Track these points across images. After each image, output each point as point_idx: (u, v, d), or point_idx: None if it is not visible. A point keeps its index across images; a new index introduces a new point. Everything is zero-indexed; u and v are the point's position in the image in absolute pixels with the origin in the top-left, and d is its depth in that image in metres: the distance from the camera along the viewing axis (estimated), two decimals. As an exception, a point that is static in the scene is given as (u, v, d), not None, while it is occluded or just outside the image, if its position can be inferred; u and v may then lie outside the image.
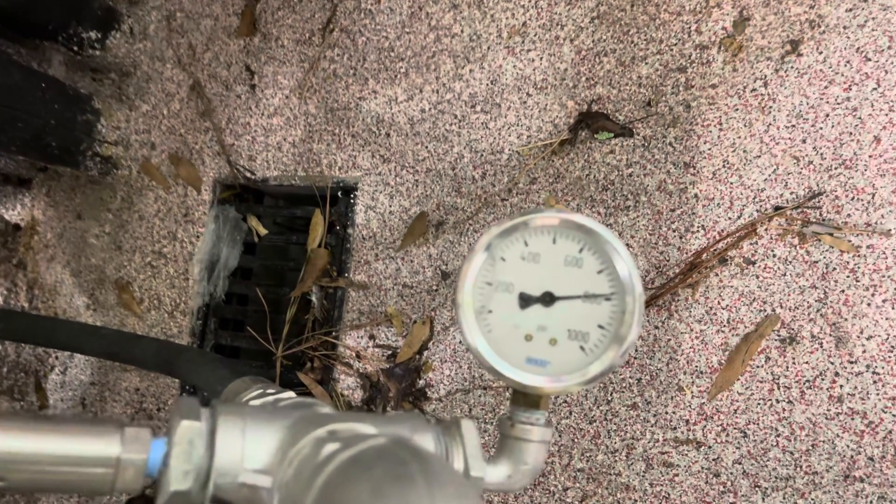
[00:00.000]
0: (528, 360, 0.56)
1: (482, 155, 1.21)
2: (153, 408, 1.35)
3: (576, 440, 1.09)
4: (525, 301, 0.56)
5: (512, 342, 0.56)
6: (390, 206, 1.26)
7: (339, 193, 1.30)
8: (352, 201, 1.28)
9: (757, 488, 0.99)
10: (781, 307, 1.01)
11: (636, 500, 1.03)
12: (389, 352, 1.22)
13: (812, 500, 0.96)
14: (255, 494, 0.47)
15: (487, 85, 1.22)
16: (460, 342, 1.18)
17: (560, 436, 1.09)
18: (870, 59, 1.03)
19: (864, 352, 0.97)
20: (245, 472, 0.47)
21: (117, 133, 1.44)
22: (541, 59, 1.19)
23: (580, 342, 0.55)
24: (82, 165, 1.39)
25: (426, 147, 1.25)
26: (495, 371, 0.56)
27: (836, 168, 1.02)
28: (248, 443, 0.47)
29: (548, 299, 0.56)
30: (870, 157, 1.01)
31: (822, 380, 0.98)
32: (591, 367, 0.55)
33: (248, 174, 1.36)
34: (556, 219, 0.56)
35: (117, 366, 1.38)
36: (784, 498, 0.97)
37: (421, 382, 1.19)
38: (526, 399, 0.57)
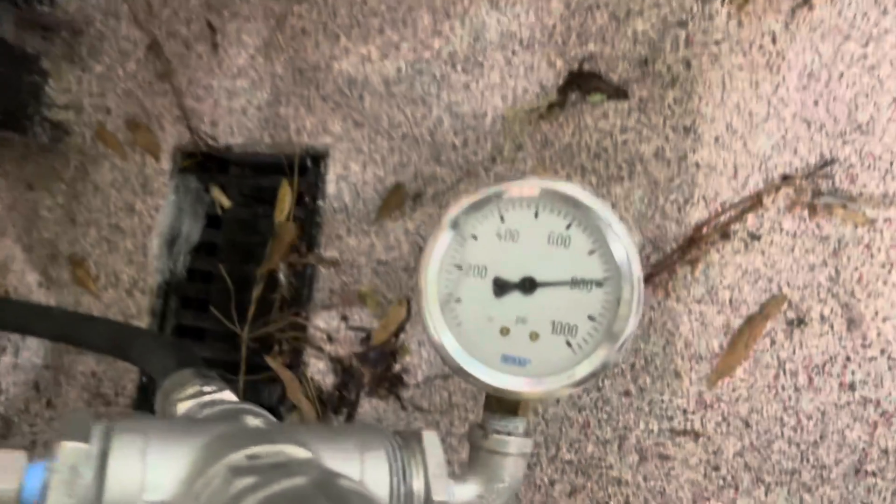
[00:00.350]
0: (504, 358, 0.47)
1: (463, 119, 1.11)
2: (111, 392, 1.26)
3: (563, 430, 1.00)
4: (501, 288, 0.47)
5: (485, 337, 0.47)
6: (364, 176, 1.16)
7: (309, 162, 1.20)
8: (322, 170, 1.19)
9: (760, 482, 0.91)
10: (789, 286, 0.92)
11: (629, 495, 0.95)
12: (363, 334, 1.13)
13: (819, 495, 0.88)
14: (160, 532, 0.38)
15: (469, 42, 1.12)
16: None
17: (546, 425, 1.01)
18: (888, 13, 0.93)
19: (878, 335, 0.88)
20: (144, 504, 0.38)
21: (68, 96, 1.33)
22: (527, 13, 1.09)
23: (567, 337, 0.46)
24: (30, 132, 1.28)
25: (402, 111, 1.14)
26: (464, 372, 0.47)
27: (850, 133, 0.92)
28: (149, 468, 0.38)
29: (528, 286, 0.47)
30: (888, 120, 0.92)
31: (833, 365, 0.90)
32: (579, 366, 0.46)
33: (211, 141, 1.26)
34: (538, 188, 0.46)
35: (73, 348, 1.28)
36: (789, 493, 0.89)
37: (397, 367, 1.10)
38: (501, 405, 0.48)
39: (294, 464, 0.34)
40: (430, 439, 0.45)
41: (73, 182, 1.33)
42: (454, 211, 0.47)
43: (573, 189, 0.46)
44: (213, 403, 0.52)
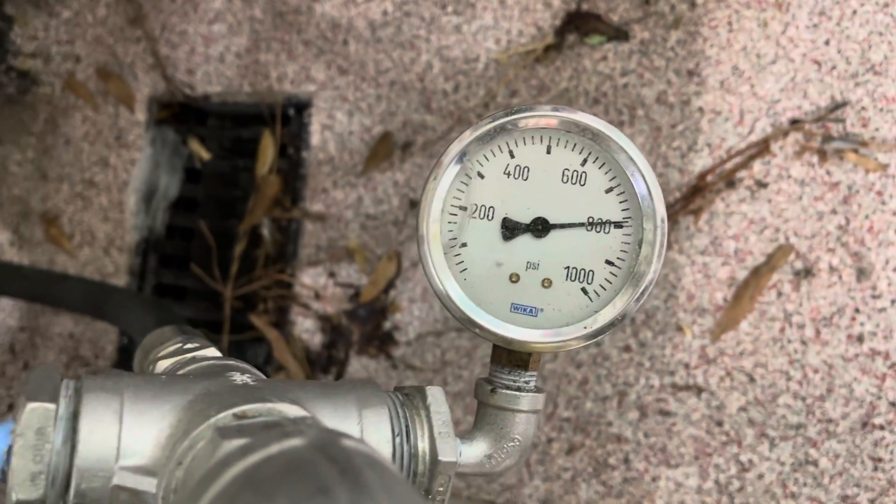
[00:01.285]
0: (514, 306, 0.43)
1: (454, 64, 1.05)
2: (90, 354, 1.21)
3: (561, 386, 0.97)
4: (510, 230, 0.43)
5: (493, 284, 0.43)
6: (350, 126, 1.10)
7: (292, 111, 1.14)
8: (306, 120, 1.13)
9: (764, 437, 0.88)
10: (796, 235, 0.89)
11: (629, 452, 0.93)
12: (352, 291, 1.08)
13: (825, 449, 0.86)
14: (138, 501, 0.34)
15: (460, -18, 1.06)
16: (431, 279, 1.04)
17: (544, 381, 0.98)
18: (904, -53, 0.89)
19: (889, 285, 0.85)
20: (121, 471, 0.34)
21: (35, 44, 1.25)
22: (522, -50, 1.03)
23: (582, 283, 0.42)
24: (-5, 81, 1.21)
25: (390, 56, 1.08)
26: (472, 322, 0.43)
27: (863, 74, 0.88)
28: (125, 431, 0.34)
29: (540, 228, 0.42)
30: (902, 61, 0.87)
31: (841, 317, 0.87)
32: (596, 315, 0.42)
33: (187, 90, 1.19)
34: (554, 118, 0.42)
35: (48, 309, 1.23)
36: (794, 448, 0.87)
37: (387, 325, 1.06)
38: (511, 357, 0.44)
39: (288, 423, 0.30)
40: (435, 395, 0.41)
41: (42, 135, 1.26)
42: (459, 145, 0.42)
43: (592, 119, 0.41)
44: (195, 360, 0.47)
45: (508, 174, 0.43)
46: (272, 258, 1.14)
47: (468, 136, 0.42)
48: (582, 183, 0.42)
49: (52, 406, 0.33)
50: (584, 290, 0.42)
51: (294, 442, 0.25)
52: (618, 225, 0.42)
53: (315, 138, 1.12)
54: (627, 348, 0.94)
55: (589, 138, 0.42)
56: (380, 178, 1.08)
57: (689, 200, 0.92)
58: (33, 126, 1.26)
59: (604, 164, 0.42)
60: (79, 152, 1.24)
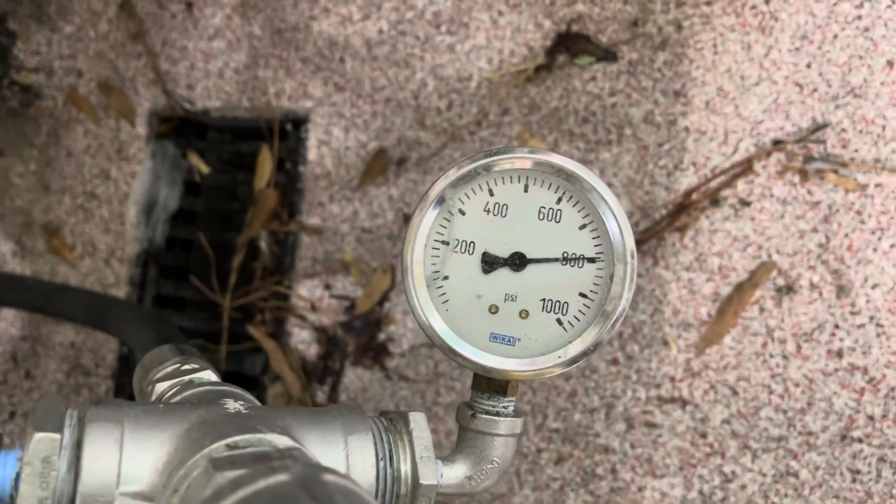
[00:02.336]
0: (493, 336, 0.45)
1: (448, 82, 1.08)
2: (91, 364, 1.23)
3: (550, 398, 0.99)
4: (489, 264, 0.45)
5: (473, 315, 0.45)
6: (346, 141, 1.13)
7: (289, 126, 1.16)
8: (303, 135, 1.15)
9: (746, 449, 0.91)
10: (778, 253, 0.91)
11: (615, 463, 0.95)
12: (347, 303, 1.11)
13: (806, 461, 0.89)
14: (137, 524, 0.37)
15: (453, 2, 1.08)
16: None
17: (534, 394, 1.00)
18: (884, -28, 0.91)
19: (867, 302, 0.88)
20: (121, 497, 0.36)
21: (38, 58, 1.28)
22: (513, -29, 1.05)
23: (558, 314, 0.45)
24: (-1, 95, 1.23)
25: (385, 74, 1.11)
26: (453, 351, 0.45)
27: (843, 97, 0.90)
28: (125, 458, 0.37)
29: (518, 262, 0.45)
30: (882, 84, 0.90)
31: (821, 332, 0.89)
32: (570, 345, 0.45)
33: (187, 105, 1.22)
34: (529, 160, 0.44)
35: (50, 319, 1.25)
36: (776, 459, 0.90)
37: (382, 336, 1.08)
38: (490, 384, 0.46)
39: (276, 454, 0.33)
40: (417, 420, 0.44)
41: (45, 148, 1.28)
42: (441, 185, 0.45)
43: (565, 161, 0.44)
44: (191, 384, 0.50)
45: (488, 211, 0.45)
46: (269, 270, 1.16)
47: (450, 176, 0.45)
48: (557, 220, 0.45)
49: (57, 436, 0.36)
50: (559, 321, 0.45)
51: (280, 478, 0.28)
52: (591, 260, 0.44)
53: (312, 153, 1.14)
54: (615, 361, 0.97)
55: (563, 178, 0.44)
56: (375, 192, 1.11)
57: (675, 218, 0.95)
58: (36, 139, 1.29)
59: (578, 202, 0.45)
60: (80, 165, 1.26)
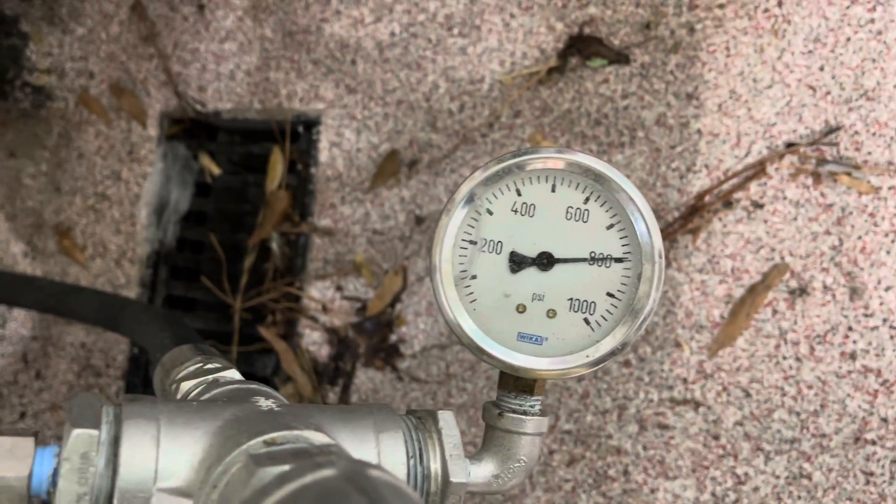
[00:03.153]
0: (520, 335, 0.45)
1: (460, 84, 1.08)
2: (101, 364, 1.24)
3: (562, 400, 1.00)
4: (517, 264, 0.45)
5: (501, 315, 0.45)
6: (357, 143, 1.13)
7: (300, 128, 1.17)
8: (314, 137, 1.16)
9: (759, 451, 0.91)
10: (791, 255, 0.91)
11: (628, 465, 0.95)
12: (358, 304, 1.11)
13: (819, 463, 0.89)
14: (173, 520, 0.37)
15: (466, 4, 1.09)
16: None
17: (546, 395, 1.00)
18: (896, -24, 0.91)
19: (881, 304, 0.88)
20: (159, 492, 0.36)
21: (49, 60, 1.28)
22: (526, -26, 1.06)
23: (585, 314, 0.45)
24: (11, 97, 1.24)
25: (397, 76, 1.11)
26: (481, 350, 0.45)
27: (856, 99, 0.91)
28: (162, 454, 0.37)
29: (545, 261, 0.45)
30: (894, 87, 0.90)
31: (834, 335, 0.89)
32: (598, 345, 0.45)
33: (199, 106, 1.22)
34: (559, 160, 0.44)
35: (61, 319, 1.26)
36: (788, 461, 0.90)
37: (393, 337, 1.09)
38: (517, 383, 0.46)
39: (315, 450, 0.33)
40: (446, 419, 0.44)
41: (56, 149, 1.29)
42: (469, 185, 0.45)
43: (594, 161, 0.44)
44: (217, 382, 0.50)
45: (516, 211, 0.45)
46: (281, 271, 1.16)
47: (478, 175, 0.45)
48: (585, 220, 0.45)
49: (95, 432, 0.36)
50: (586, 321, 0.45)
51: (326, 472, 0.28)
52: (618, 260, 0.45)
53: (323, 155, 1.15)
54: (627, 363, 0.97)
55: (591, 178, 0.45)
56: (386, 194, 1.11)
57: (688, 220, 0.95)
58: (47, 140, 1.29)
59: (605, 202, 0.45)
60: (92, 166, 1.27)
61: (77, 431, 0.36)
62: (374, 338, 1.10)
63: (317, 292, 1.13)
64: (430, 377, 1.07)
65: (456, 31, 1.09)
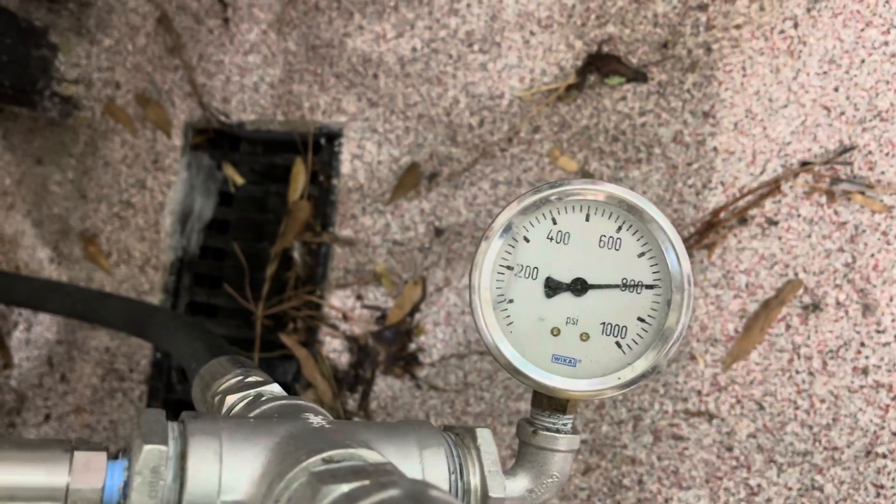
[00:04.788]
0: (555, 357, 0.48)
1: (480, 100, 1.10)
2: (125, 368, 1.26)
3: (579, 410, 1.02)
4: (552, 289, 0.48)
5: (536, 337, 0.48)
6: (378, 156, 1.15)
7: (323, 140, 1.19)
8: (336, 149, 1.18)
9: (772, 463, 0.93)
10: (805, 271, 0.94)
11: (642, 474, 0.98)
12: (378, 313, 1.14)
13: (831, 476, 0.91)
14: (236, 532, 0.39)
15: (486, 21, 1.11)
16: (454, 304, 1.09)
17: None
18: (910, -1, 0.93)
19: (892, 321, 0.90)
20: (222, 505, 0.39)
21: (77, 70, 1.31)
22: (546, -7, 1.08)
23: (617, 338, 0.47)
24: (39, 106, 1.26)
25: (418, 90, 1.14)
26: (517, 371, 0.48)
27: (870, 120, 0.93)
28: (225, 469, 0.39)
29: (579, 287, 0.47)
30: (908, 108, 0.92)
31: (847, 350, 0.91)
32: (629, 367, 0.47)
33: (223, 117, 1.25)
34: (597, 192, 0.47)
35: (85, 323, 1.28)
36: (801, 473, 0.92)
37: (412, 346, 1.11)
38: (551, 402, 0.49)
39: (372, 469, 0.35)
40: (484, 436, 0.46)
41: (82, 157, 1.32)
42: (507, 215, 0.47)
43: (629, 193, 0.47)
44: (263, 397, 0.52)
45: (551, 239, 0.48)
46: (302, 280, 1.19)
47: (515, 206, 0.48)
48: (617, 248, 0.47)
49: (164, 448, 0.38)
50: (618, 344, 0.47)
51: (392, 493, 0.30)
52: (649, 286, 0.47)
53: (345, 167, 1.17)
54: (643, 375, 0.99)
55: (624, 209, 0.47)
56: (407, 206, 1.14)
57: (703, 235, 0.97)
58: (74, 148, 1.32)
59: (637, 231, 0.47)
60: (117, 174, 1.30)
61: (148, 447, 0.38)
62: (393, 346, 1.13)
63: (337, 301, 1.16)
64: (448, 386, 1.09)
65: (476, 47, 1.11)
